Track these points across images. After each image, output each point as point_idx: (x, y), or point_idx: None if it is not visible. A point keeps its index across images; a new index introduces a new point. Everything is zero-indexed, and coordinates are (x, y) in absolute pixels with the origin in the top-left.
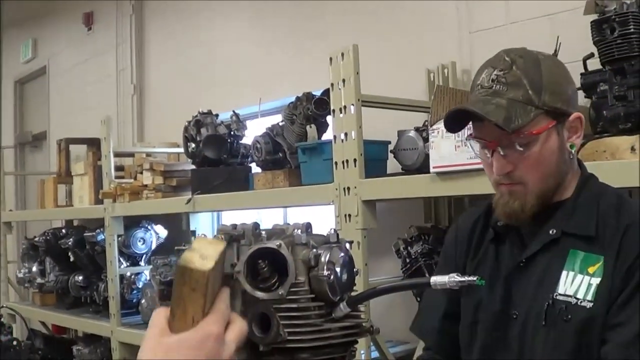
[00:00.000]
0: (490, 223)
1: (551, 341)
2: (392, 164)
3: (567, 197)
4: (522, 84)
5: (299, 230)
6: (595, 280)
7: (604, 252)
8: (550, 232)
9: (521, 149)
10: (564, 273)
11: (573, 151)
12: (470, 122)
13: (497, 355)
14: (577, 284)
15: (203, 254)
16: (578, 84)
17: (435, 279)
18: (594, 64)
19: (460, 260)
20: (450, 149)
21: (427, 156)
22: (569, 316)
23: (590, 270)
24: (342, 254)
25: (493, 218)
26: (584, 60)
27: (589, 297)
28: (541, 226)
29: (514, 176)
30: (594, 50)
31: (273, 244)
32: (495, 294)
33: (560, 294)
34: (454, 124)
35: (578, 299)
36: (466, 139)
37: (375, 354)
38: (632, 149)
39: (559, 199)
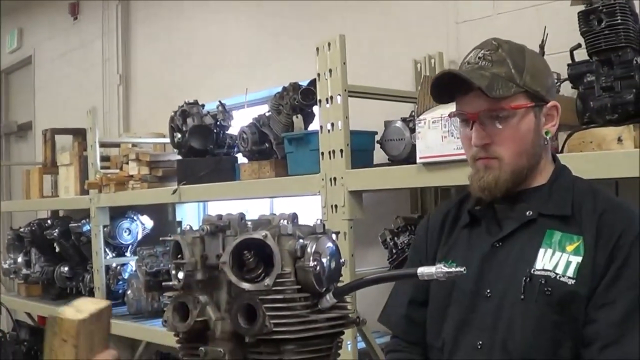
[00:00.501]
0: (462, 212)
1: (532, 315)
2: (379, 155)
3: (542, 183)
4: (505, 63)
5: (285, 221)
6: (576, 259)
7: (582, 232)
8: (527, 213)
9: (500, 125)
10: (542, 250)
11: (548, 138)
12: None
13: (468, 335)
14: (556, 260)
15: (80, 309)
16: (565, 75)
17: (423, 270)
18: (581, 55)
19: (431, 249)
20: (437, 140)
21: (413, 147)
22: (549, 289)
23: (569, 248)
24: (329, 245)
25: (469, 203)
26: (571, 51)
27: (570, 274)
28: (517, 209)
29: (491, 150)
30: (581, 41)
31: (259, 235)
32: (469, 276)
33: (538, 269)
34: (440, 93)
35: (557, 273)
36: (449, 116)
37: (361, 345)
38: (619, 139)
39: (534, 185)
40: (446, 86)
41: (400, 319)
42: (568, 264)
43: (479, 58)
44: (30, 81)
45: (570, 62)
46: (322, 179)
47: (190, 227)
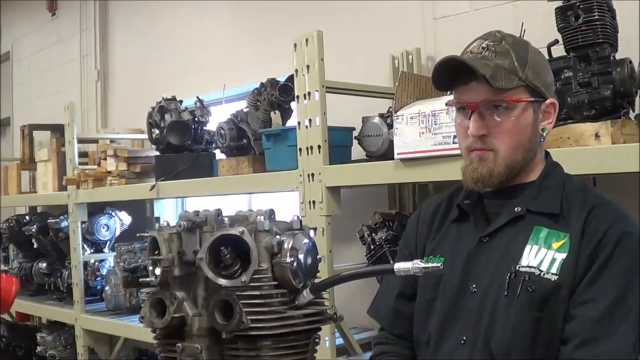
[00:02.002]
0: (453, 205)
1: (513, 311)
2: (357, 151)
3: (533, 179)
4: (509, 55)
5: (262, 217)
6: (560, 256)
7: (569, 230)
8: (516, 209)
9: (498, 118)
10: (528, 247)
11: (544, 135)
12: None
13: (453, 330)
14: (541, 257)
15: None
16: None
17: (399, 266)
18: (559, 51)
19: (420, 242)
20: (415, 136)
21: (391, 143)
22: (533, 287)
23: (555, 245)
24: (305, 241)
25: (459, 197)
26: (549, 47)
27: (554, 271)
28: (507, 205)
29: (487, 141)
30: (559, 37)
31: (236, 231)
32: (456, 270)
33: (523, 266)
34: (441, 80)
35: (542, 270)
36: (446, 104)
37: (340, 341)
38: (596, 135)
39: (525, 181)
40: (448, 74)
41: (388, 311)
42: (553, 260)
43: (483, 48)
44: (9, 77)
45: (547, 57)
46: (300, 175)
47: (168, 223)
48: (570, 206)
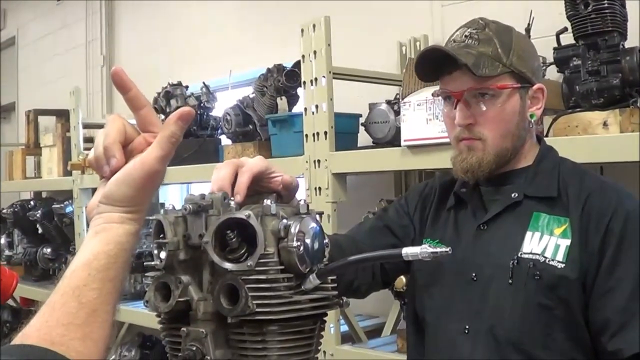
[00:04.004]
0: (446, 192)
1: (520, 300)
2: (363, 137)
3: (527, 165)
4: (492, 42)
5: (269, 201)
6: (564, 242)
7: (568, 214)
8: (513, 195)
9: (484, 106)
10: (529, 234)
11: (533, 121)
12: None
13: (452, 319)
14: (544, 244)
15: None
16: (551, 59)
17: (407, 251)
18: (567, 39)
19: (415, 214)
20: (422, 122)
21: (398, 129)
22: (538, 273)
23: (557, 231)
24: (312, 225)
25: (456, 185)
26: (557, 35)
27: (560, 258)
28: (503, 191)
29: (474, 130)
30: (568, 24)
31: (242, 214)
32: (455, 258)
33: (525, 253)
34: (425, 71)
35: (546, 257)
36: (432, 95)
37: (344, 328)
38: (605, 124)
39: (519, 166)
40: (432, 65)
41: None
42: (557, 247)
43: (466, 37)
44: (14, 62)
45: (556, 45)
46: (306, 162)
47: (173, 207)
48: (568, 190)
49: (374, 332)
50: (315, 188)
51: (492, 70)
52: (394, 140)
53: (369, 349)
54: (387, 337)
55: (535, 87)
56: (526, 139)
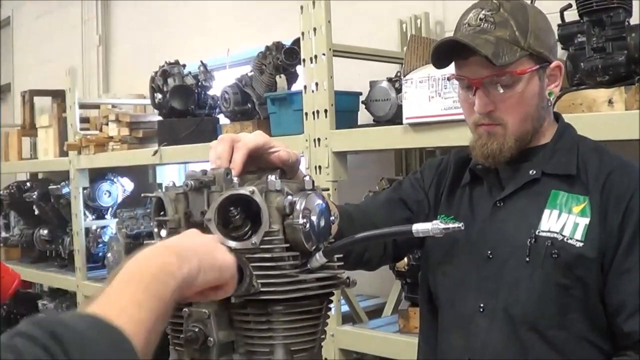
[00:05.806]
0: (462, 168)
1: (538, 279)
2: (364, 116)
3: (545, 142)
4: (509, 25)
5: (273, 176)
6: (583, 220)
7: (587, 192)
8: (530, 172)
9: (502, 91)
10: (547, 212)
11: (551, 99)
12: (453, 63)
13: (467, 296)
14: (563, 222)
15: None
16: (555, 36)
17: (418, 227)
18: (572, 15)
19: (430, 190)
20: (424, 100)
21: (399, 107)
22: (556, 252)
23: (575, 209)
24: (319, 202)
25: (472, 161)
26: (562, 12)
27: (579, 237)
28: (520, 168)
29: (495, 116)
30: (572, 1)
31: (245, 190)
32: (470, 235)
33: (543, 231)
34: (440, 58)
35: (565, 236)
36: (448, 79)
37: (345, 308)
38: (610, 101)
39: (537, 144)
40: (446, 50)
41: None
42: (575, 226)
43: (480, 20)
44: (9, 42)
45: (560, 22)
46: (306, 140)
47: (173, 184)
48: (587, 167)
49: (375, 312)
50: (316, 167)
51: (511, 56)
52: (395, 118)
53: (370, 329)
54: (388, 317)
55: (552, 65)
56: (545, 117)
